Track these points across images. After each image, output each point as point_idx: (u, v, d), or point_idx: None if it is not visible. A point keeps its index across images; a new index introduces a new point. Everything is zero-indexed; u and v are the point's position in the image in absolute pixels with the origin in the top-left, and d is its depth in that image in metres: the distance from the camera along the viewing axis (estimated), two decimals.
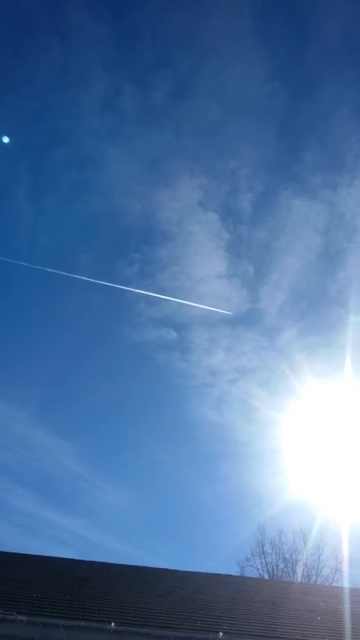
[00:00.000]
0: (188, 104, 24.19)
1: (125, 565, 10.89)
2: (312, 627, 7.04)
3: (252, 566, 26.61)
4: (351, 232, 25.71)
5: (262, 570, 26.58)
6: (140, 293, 25.16)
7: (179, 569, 10.52)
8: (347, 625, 7.51)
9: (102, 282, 23.61)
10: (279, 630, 6.64)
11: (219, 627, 6.13)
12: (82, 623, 5.72)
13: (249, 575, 24.53)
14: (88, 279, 23.31)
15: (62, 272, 22.44)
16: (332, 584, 23.45)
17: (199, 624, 6.44)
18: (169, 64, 23.55)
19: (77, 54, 22.73)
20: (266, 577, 25.75)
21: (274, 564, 26.76)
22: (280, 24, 22.75)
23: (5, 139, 21.02)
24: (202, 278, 26.77)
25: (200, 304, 25.64)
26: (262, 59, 22.78)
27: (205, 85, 23.37)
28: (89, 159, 24.62)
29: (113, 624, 5.71)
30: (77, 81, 23.17)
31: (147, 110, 24.01)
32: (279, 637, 6.20)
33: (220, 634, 5.69)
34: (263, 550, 26.88)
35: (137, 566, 11.01)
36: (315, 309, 28.54)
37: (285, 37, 22.95)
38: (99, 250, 26.33)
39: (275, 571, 26.52)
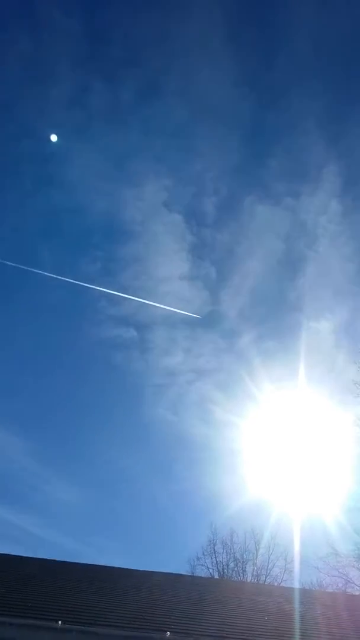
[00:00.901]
0: (156, 104, 24.17)
1: (75, 563, 10.81)
2: (259, 627, 7.13)
3: (203, 565, 26.81)
4: (312, 240, 26.22)
5: (213, 569, 26.81)
6: (101, 291, 25.01)
7: (130, 568, 10.49)
8: (295, 625, 7.64)
9: (63, 278, 23.35)
10: (227, 629, 6.70)
11: (167, 626, 6.14)
12: (30, 621, 5.65)
13: (200, 575, 24.70)
14: (49, 275, 23.02)
15: (22, 266, 22.09)
16: (281, 584, 23.83)
17: (148, 624, 6.44)
18: (139, 63, 23.47)
19: (47, 48, 22.41)
20: (216, 576, 25.98)
21: (224, 563, 27.03)
22: (252, 32, 23.00)
23: (54, 138, 20.63)
24: (164, 278, 26.83)
25: (161, 304, 25.67)
26: (231, 64, 22.97)
27: (174, 87, 23.40)
28: (55, 154, 24.30)
29: (60, 622, 5.66)
30: (46, 75, 22.86)
31: (115, 108, 23.88)
32: (227, 637, 6.26)
33: (168, 633, 5.71)
34: (214, 550, 27.12)
35: (87, 564, 10.94)
36: (274, 314, 28.97)
37: (256, 45, 23.19)
38: (62, 246, 26.03)
39: (225, 570, 26.79)
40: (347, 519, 18.97)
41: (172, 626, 6.36)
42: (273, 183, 25.39)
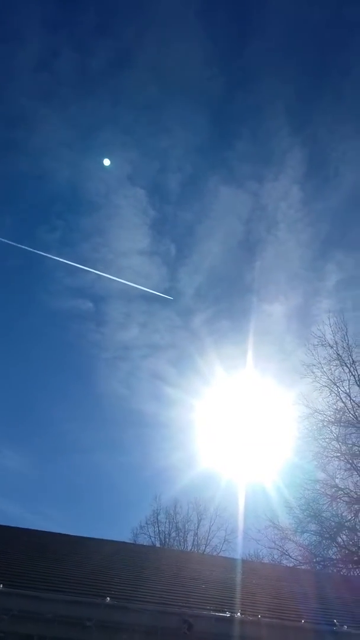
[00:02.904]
0: (127, 75, 23.67)
1: (20, 529, 10.82)
2: (196, 594, 7.34)
3: (145, 534, 27.35)
4: (271, 224, 26.48)
5: (155, 538, 27.40)
6: (59, 261, 24.59)
7: (74, 535, 10.58)
8: (231, 593, 7.90)
9: (21, 246, 22.81)
10: (164, 596, 6.87)
11: (107, 592, 6.25)
12: None
13: (142, 543, 25.17)
14: (6, 241, 22.44)
15: None
16: (220, 554, 24.56)
17: (89, 589, 6.54)
18: (111, 33, 22.82)
19: (15, 7, 21.46)
20: (158, 545, 26.53)
21: (166, 532, 27.62)
22: (226, 11, 22.66)
23: (107, 162, 19.66)
24: (124, 252, 26.63)
25: (119, 277, 25.46)
26: (204, 42, 22.69)
27: (146, 60, 22.95)
28: (20, 118, 23.52)
29: (1, 585, 5.66)
30: (12, 35, 21.94)
31: (84, 76, 23.26)
32: (164, 603, 6.41)
33: (108, 598, 5.81)
34: (157, 520, 27.67)
35: (32, 529, 10.98)
36: (229, 295, 29.30)
37: (230, 25, 22.92)
38: (21, 212, 25.38)
39: (167, 540, 27.40)
40: (289, 493, 19.67)
41: (112, 592, 6.48)
42: (238, 165, 25.43)
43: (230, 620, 5.90)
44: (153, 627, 5.72)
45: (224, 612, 6.09)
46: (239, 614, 6.03)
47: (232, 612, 6.08)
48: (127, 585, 7.15)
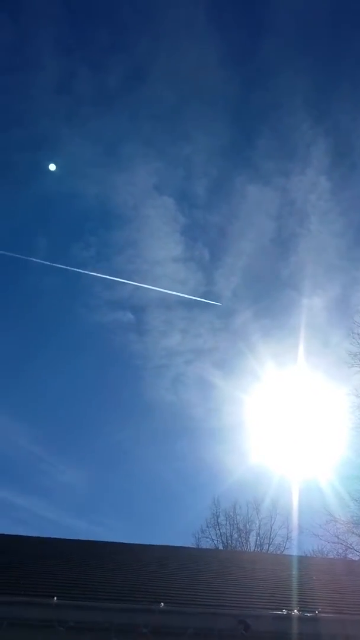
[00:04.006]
0: (143, 88, 23.83)
1: (76, 540, 10.96)
2: (254, 594, 7.25)
3: (207, 537, 27.26)
4: (302, 218, 26.11)
5: (217, 541, 27.26)
6: (96, 276, 24.95)
7: (128, 542, 10.64)
8: (289, 591, 7.78)
9: (58, 265, 23.27)
10: (221, 597, 6.82)
11: (162, 598, 6.24)
12: (24, 599, 5.74)
13: (204, 547, 25.11)
14: (44, 262, 22.96)
15: (17, 255, 22.00)
16: (283, 552, 24.24)
17: (144, 595, 6.55)
18: (125, 48, 23.07)
19: (30, 35, 22.00)
20: (221, 547, 26.41)
21: (228, 534, 27.46)
22: (236, 11, 22.56)
23: (52, 167, 20.27)
24: (158, 261, 26.77)
25: (156, 286, 25.63)
26: (216, 45, 22.60)
27: (161, 70, 23.01)
28: (44, 141, 24.05)
29: (55, 598, 5.74)
30: (30, 62, 22.50)
31: (102, 93, 23.59)
32: (224, 605, 6.37)
33: (162, 604, 5.80)
34: (218, 522, 27.56)
35: (89, 540, 11.09)
36: (267, 292, 29.01)
37: (240, 25, 22.79)
38: (55, 233, 25.93)
39: (229, 541, 27.23)
40: (344, 486, 19.25)
41: (168, 597, 6.47)
42: (262, 163, 25.21)
43: (287, 617, 5.80)
44: (209, 630, 5.68)
45: (281, 610, 5.99)
46: (296, 611, 5.91)
47: (289, 610, 5.98)
48: (183, 590, 7.13)
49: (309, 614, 5.85)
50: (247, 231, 26.62)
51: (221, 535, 27.45)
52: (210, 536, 27.32)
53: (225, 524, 27.61)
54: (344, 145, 24.99)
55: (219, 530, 27.50)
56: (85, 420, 30.92)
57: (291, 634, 5.65)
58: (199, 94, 23.45)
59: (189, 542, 25.21)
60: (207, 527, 27.40)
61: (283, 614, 5.86)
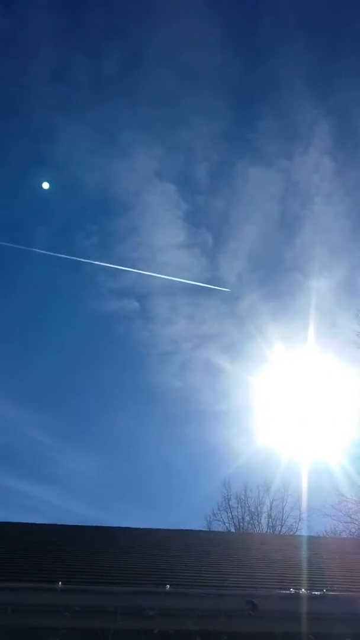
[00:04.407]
0: (141, 74, 23.42)
1: (84, 526, 10.95)
2: (262, 574, 7.20)
3: (219, 520, 27.37)
4: (306, 200, 25.79)
5: (229, 524, 27.36)
6: (99, 265, 24.80)
7: (134, 527, 10.62)
8: (298, 570, 7.71)
9: (60, 255, 23.14)
10: (229, 578, 6.76)
11: (168, 580, 6.18)
12: (29, 584, 5.70)
13: (216, 530, 25.19)
14: (46, 252, 22.83)
15: (18, 246, 21.87)
16: (295, 534, 24.27)
17: (150, 578, 6.51)
18: (120, 33, 22.64)
19: (25, 23, 21.65)
20: (232, 530, 26.49)
21: (240, 517, 27.54)
22: None
23: (46, 185, 20.07)
24: (162, 248, 26.57)
25: (160, 274, 25.46)
26: (215, 28, 22.16)
27: (158, 55, 22.61)
28: (42, 131, 23.79)
29: (60, 583, 5.69)
30: (26, 51, 22.15)
31: (99, 80, 23.21)
32: (227, 586, 6.31)
33: (168, 586, 5.74)
34: (229, 505, 27.64)
35: (97, 526, 11.08)
36: (273, 276, 28.80)
37: (237, 4, 22.31)
38: (56, 223, 25.74)
39: (241, 524, 27.32)
40: (354, 466, 19.20)
41: (175, 579, 6.42)
42: (264, 145, 24.87)
43: (295, 597, 5.72)
44: (217, 611, 5.61)
45: (289, 589, 5.91)
46: (303, 590, 5.83)
47: (297, 589, 5.90)
48: (190, 572, 7.08)
49: (316, 593, 5.77)
50: (250, 215, 26.37)
51: (233, 518, 27.55)
52: (222, 519, 27.42)
53: (237, 507, 27.70)
54: (347, 124, 24.60)
55: (231, 513, 27.59)
56: (94, 409, 31.04)
57: (299, 612, 5.57)
58: (197, 77, 23.10)
59: (200, 526, 25.33)
60: (219, 510, 27.51)
61: (290, 593, 5.79)
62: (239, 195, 26.09)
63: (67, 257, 23.26)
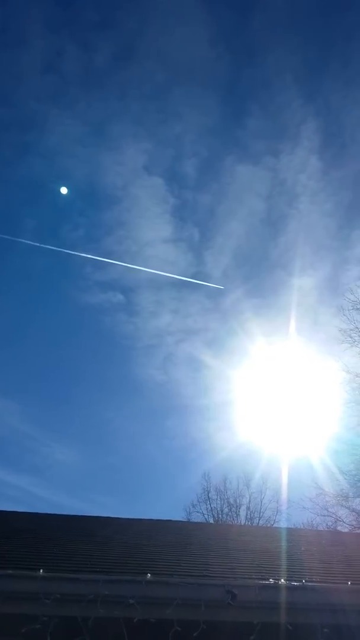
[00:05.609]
0: (132, 67, 23.32)
1: (67, 516, 10.95)
2: (241, 565, 7.28)
3: (198, 512, 27.59)
4: (292, 198, 25.93)
5: (208, 515, 27.59)
6: (86, 257, 24.69)
7: (116, 517, 10.65)
8: (277, 561, 7.81)
9: (47, 246, 22.96)
10: (209, 568, 6.83)
11: (149, 569, 6.23)
12: (9, 572, 5.69)
13: (195, 521, 25.38)
14: (32, 243, 22.64)
15: (5, 236, 21.64)
16: (273, 525, 24.54)
17: (131, 567, 6.55)
18: (112, 26, 22.47)
19: (16, 13, 21.35)
20: (211, 521, 26.70)
21: (219, 509, 27.77)
22: None
23: (64, 190, 19.71)
24: (148, 242, 26.55)
25: (146, 267, 25.43)
26: (206, 23, 22.10)
27: (149, 49, 22.54)
28: (32, 121, 23.54)
29: (42, 570, 5.70)
30: (17, 41, 21.86)
31: (90, 72, 23.03)
32: (207, 576, 6.37)
33: (149, 575, 5.78)
34: (208, 497, 27.86)
35: (79, 515, 11.09)
36: (257, 272, 28.92)
37: (229, 2, 22.21)
38: (44, 214, 25.52)
39: (220, 516, 27.54)
40: (333, 461, 19.46)
41: (155, 568, 6.47)
42: (252, 142, 24.91)
43: (274, 587, 5.81)
44: (197, 600, 5.67)
45: (268, 580, 5.99)
46: (282, 580, 5.92)
47: (276, 580, 5.98)
48: (171, 561, 7.13)
49: (295, 583, 5.86)
50: (237, 211, 26.45)
51: (212, 510, 27.78)
52: (201, 510, 27.63)
53: (216, 499, 27.92)
54: (334, 124, 24.75)
55: (210, 504, 27.81)
56: (77, 400, 30.98)
57: (278, 602, 5.66)
58: (188, 72, 23.04)
59: (180, 517, 25.50)
60: (198, 501, 27.71)
61: (270, 583, 5.87)
62: (226, 191, 26.17)
63: (54, 248, 23.13)
